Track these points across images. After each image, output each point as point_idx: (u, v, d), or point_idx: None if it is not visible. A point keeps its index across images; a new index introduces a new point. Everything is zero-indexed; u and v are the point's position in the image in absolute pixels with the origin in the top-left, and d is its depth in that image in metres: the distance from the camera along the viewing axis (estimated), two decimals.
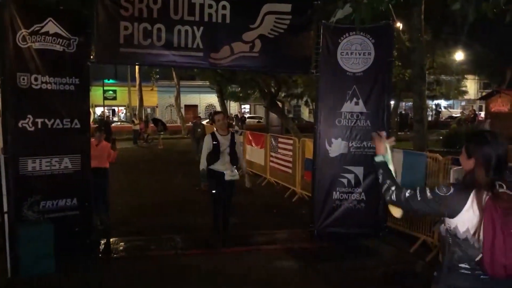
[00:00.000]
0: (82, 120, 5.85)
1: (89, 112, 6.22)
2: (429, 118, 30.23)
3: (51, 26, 5.54)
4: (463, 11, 3.76)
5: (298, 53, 6.49)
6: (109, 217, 7.07)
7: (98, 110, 43.07)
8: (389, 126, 6.61)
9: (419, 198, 2.35)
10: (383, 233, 6.59)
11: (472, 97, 48.17)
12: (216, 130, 6.31)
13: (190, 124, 24.41)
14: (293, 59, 6.54)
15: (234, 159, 6.27)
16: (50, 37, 5.53)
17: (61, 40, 5.60)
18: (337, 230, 6.59)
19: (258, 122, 41.01)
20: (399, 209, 2.71)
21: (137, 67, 31.28)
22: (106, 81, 42.19)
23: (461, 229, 2.25)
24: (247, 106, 49.29)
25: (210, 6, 6.05)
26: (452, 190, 2.28)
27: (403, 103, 42.70)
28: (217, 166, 6.15)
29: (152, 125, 27.38)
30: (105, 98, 42.61)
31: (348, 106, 6.56)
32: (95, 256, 5.90)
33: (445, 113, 46.99)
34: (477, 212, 2.19)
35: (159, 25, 5.97)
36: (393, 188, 2.50)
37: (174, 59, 6.19)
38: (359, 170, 6.59)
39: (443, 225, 2.38)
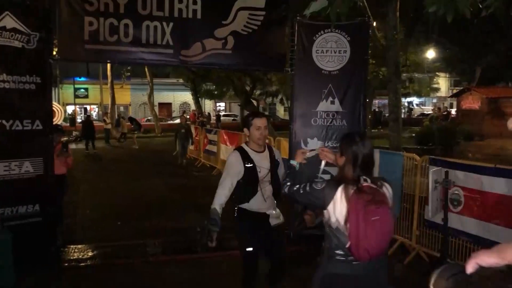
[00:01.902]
0: (44, 121, 5.50)
1: (52, 112, 5.85)
2: (402, 116, 30.49)
3: (9, 21, 5.18)
4: (441, 12, 3.63)
5: (272, 50, 6.29)
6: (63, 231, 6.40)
7: (70, 109, 42.11)
8: (365, 125, 6.49)
9: (301, 192, 2.73)
10: None
11: (443, 95, 49.02)
12: (247, 143, 3.91)
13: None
14: (268, 57, 6.33)
15: (278, 191, 3.66)
16: (8, 33, 5.17)
17: (20, 36, 5.25)
18: (314, 232, 6.41)
19: (234, 120, 40.75)
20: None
21: (108, 64, 30.55)
22: (77, 78, 41.30)
23: (333, 219, 2.55)
24: (223, 104, 48.96)
25: (180, 1, 5.80)
26: (324, 184, 2.62)
27: (377, 101, 43.20)
28: (254, 204, 3.77)
29: (128, 123, 26.80)
30: (76, 97, 41.72)
31: (324, 105, 6.40)
32: (59, 266, 5.57)
33: (417, 110, 47.69)
34: (344, 203, 2.48)
35: (126, 21, 5.69)
36: (288, 183, 2.88)
37: (143, 56, 5.91)
38: (335, 171, 6.43)
39: (322, 217, 2.69)
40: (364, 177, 2.52)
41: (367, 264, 2.51)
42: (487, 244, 4.72)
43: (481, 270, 1.49)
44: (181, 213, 8.41)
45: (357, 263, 2.51)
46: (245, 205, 3.77)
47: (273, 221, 3.85)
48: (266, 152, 3.86)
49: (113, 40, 5.70)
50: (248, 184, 3.73)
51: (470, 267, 1.52)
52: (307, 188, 2.69)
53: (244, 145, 3.89)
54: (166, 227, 7.35)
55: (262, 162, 3.76)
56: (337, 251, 2.57)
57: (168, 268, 5.55)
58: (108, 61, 6.75)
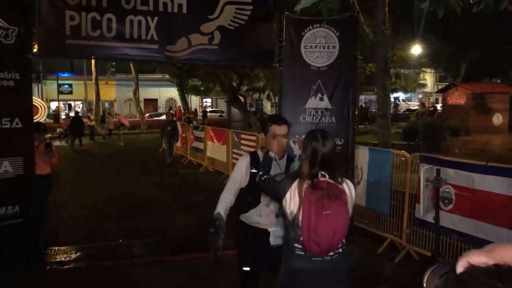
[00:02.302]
0: (24, 119, 5.28)
1: (32, 110, 5.63)
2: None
3: None
4: (432, 8, 3.55)
5: (260, 46, 6.14)
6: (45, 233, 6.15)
7: (53, 105, 41.44)
8: (355, 122, 6.39)
9: (266, 183, 2.81)
10: (349, 233, 6.37)
11: (429, 90, 49.36)
12: (262, 148, 3.44)
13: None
14: (255, 52, 6.19)
15: None
16: None
17: None
18: None
19: (220, 116, 40.51)
20: None
21: (92, 60, 30.09)
22: (61, 74, 40.63)
23: (288, 211, 2.60)
24: (209, 100, 48.66)
25: None
26: (283, 177, 2.72)
27: (363, 97, 43.33)
28: (253, 217, 3.34)
29: (115, 119, 26.45)
30: (60, 93, 41.05)
31: (313, 102, 6.28)
32: (41, 269, 5.38)
33: (403, 106, 47.94)
34: (297, 197, 2.53)
35: (109, 15, 5.49)
36: (261, 173, 2.92)
37: (127, 51, 5.73)
38: None
39: (282, 210, 2.74)
40: (323, 172, 2.54)
41: (327, 260, 2.55)
42: (479, 243, 4.66)
43: (471, 269, 1.47)
44: (167, 212, 8.27)
45: (316, 258, 2.55)
46: (243, 217, 3.36)
47: (274, 241, 3.26)
48: (283, 162, 3.32)
49: (95, 35, 5.50)
50: (250, 192, 3.30)
51: (461, 266, 1.48)
52: (270, 179, 2.77)
53: (259, 150, 3.46)
54: (152, 227, 7.19)
55: (272, 171, 3.13)
56: (295, 245, 2.59)
57: (155, 270, 5.40)
58: (90, 56, 6.52)
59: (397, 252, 5.74)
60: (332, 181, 2.53)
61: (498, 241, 4.47)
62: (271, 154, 3.11)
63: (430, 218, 4.99)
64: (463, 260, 1.49)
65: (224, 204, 3.29)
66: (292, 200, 2.56)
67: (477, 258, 1.48)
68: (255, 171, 3.15)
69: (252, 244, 3.33)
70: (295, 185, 2.57)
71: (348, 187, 2.62)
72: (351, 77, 6.35)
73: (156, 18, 5.62)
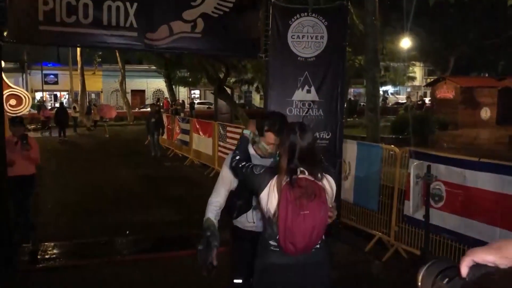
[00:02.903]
0: None
1: (3, 102, 5.31)
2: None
3: None
4: None
5: (245, 35, 5.88)
6: (35, 238, 5.70)
7: (38, 96, 40.71)
8: (343, 115, 6.17)
9: (243, 171, 2.62)
10: (336, 230, 6.18)
11: (418, 84, 49.40)
12: (252, 145, 3.00)
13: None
14: (240, 42, 5.92)
15: None
16: None
17: None
18: None
19: (208, 108, 40.04)
20: None
21: (78, 49, 29.50)
22: (46, 64, 39.91)
23: (264, 207, 2.47)
24: (197, 92, 48.20)
25: None
26: (262, 170, 2.53)
27: (352, 90, 43.20)
28: (246, 222, 3.01)
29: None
30: (45, 83, 40.35)
31: (300, 94, 6.04)
32: (14, 269, 5.10)
33: (391, 99, 47.94)
34: (275, 194, 2.39)
35: (85, 0, 5.19)
36: (238, 157, 2.74)
37: (104, 39, 5.43)
38: None
39: (259, 208, 2.60)
40: (302, 168, 2.43)
41: (304, 256, 2.46)
42: (470, 242, 4.49)
43: (476, 269, 1.25)
44: (151, 207, 8.00)
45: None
46: (236, 222, 3.04)
47: None
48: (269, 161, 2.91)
49: (71, 21, 5.20)
50: (240, 195, 2.92)
51: (465, 265, 1.27)
52: (248, 170, 2.60)
53: (250, 147, 2.98)
54: (134, 223, 6.92)
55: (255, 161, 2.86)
56: (271, 241, 2.51)
57: (135, 269, 5.15)
58: (65, 44, 6.20)
59: (385, 250, 5.56)
60: (311, 178, 2.41)
61: (490, 240, 4.30)
62: (246, 132, 2.91)
63: (419, 215, 4.80)
64: (467, 259, 1.30)
65: (213, 208, 2.92)
66: (269, 198, 2.44)
67: (484, 256, 1.29)
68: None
69: (247, 254, 2.87)
70: (274, 181, 2.44)
71: (328, 183, 2.50)
72: (339, 68, 6.12)
73: (135, 4, 5.33)
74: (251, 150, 2.98)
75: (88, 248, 5.77)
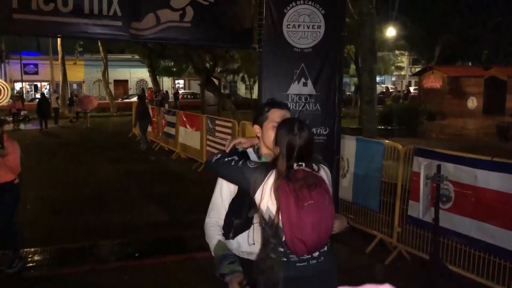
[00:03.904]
0: None
1: None
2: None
3: None
4: None
5: (237, 24, 5.49)
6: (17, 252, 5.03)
7: (18, 86, 39.61)
8: (341, 110, 5.85)
9: (232, 164, 2.32)
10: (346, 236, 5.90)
11: (403, 73, 49.40)
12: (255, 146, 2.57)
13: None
14: (232, 32, 5.52)
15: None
16: None
17: None
18: None
19: (193, 98, 39.41)
20: None
21: (59, 38, 28.61)
22: (25, 54, 38.79)
23: (264, 208, 2.20)
24: (181, 82, 47.48)
25: None
26: (258, 165, 2.29)
27: None
28: (244, 245, 2.42)
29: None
30: (25, 73, 39.26)
31: (296, 88, 5.67)
32: None
33: (378, 88, 47.85)
34: (275, 198, 2.15)
35: None
36: (219, 155, 2.44)
37: (86, 29, 4.97)
38: None
39: (255, 210, 2.30)
40: (299, 163, 2.22)
41: (312, 265, 2.24)
42: (481, 246, 4.24)
43: None
44: (135, 206, 7.59)
45: (301, 264, 2.22)
46: (230, 243, 2.42)
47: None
48: None
49: (48, 9, 4.74)
50: (237, 212, 2.41)
51: None
52: (239, 164, 2.31)
53: (250, 150, 2.52)
54: (118, 225, 6.52)
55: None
56: (279, 248, 2.22)
57: (118, 276, 4.77)
58: (42, 34, 5.73)
59: (387, 252, 5.29)
60: (309, 170, 2.22)
61: (503, 244, 4.04)
62: (251, 153, 2.49)
63: (426, 217, 4.51)
64: None
65: (215, 229, 2.44)
66: (267, 195, 2.19)
67: None
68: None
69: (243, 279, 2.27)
70: (271, 181, 2.19)
71: (325, 173, 2.33)
72: (337, 60, 5.76)
73: None
74: (253, 157, 2.50)
75: (69, 255, 5.35)
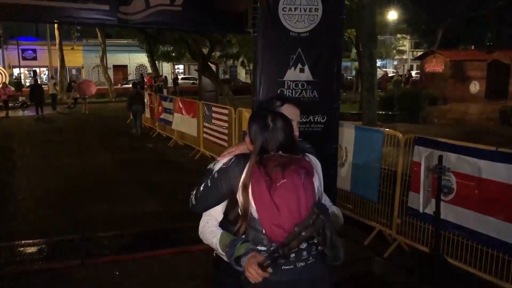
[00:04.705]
0: None
1: None
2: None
3: None
4: None
5: (231, 7, 5.27)
6: None
7: (16, 72, 39.29)
8: (340, 97, 5.63)
9: (209, 183, 2.10)
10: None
11: (404, 57, 48.90)
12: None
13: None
14: (225, 15, 5.31)
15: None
16: None
17: None
18: None
19: (193, 83, 39.08)
20: None
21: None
22: (23, 39, 38.41)
23: (240, 200, 2.02)
24: (181, 67, 47.06)
25: None
26: (232, 160, 2.09)
27: None
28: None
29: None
30: (23, 58, 38.91)
31: (292, 74, 5.44)
32: None
33: (379, 73, 47.41)
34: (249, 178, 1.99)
35: None
36: (194, 190, 2.19)
37: (71, 13, 4.75)
38: None
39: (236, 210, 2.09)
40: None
41: (300, 268, 2.00)
42: (484, 240, 4.06)
43: None
44: (130, 196, 7.43)
45: (287, 267, 1.99)
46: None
47: None
48: None
49: None
50: (231, 217, 2.16)
51: None
52: (209, 179, 2.11)
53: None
54: (111, 216, 6.36)
55: None
56: (260, 247, 2.00)
57: (107, 271, 4.62)
58: (25, 19, 5.51)
59: (386, 244, 5.13)
60: (285, 154, 2.03)
61: (507, 238, 3.86)
62: (211, 165, 2.23)
63: (427, 209, 4.33)
64: None
65: (212, 227, 2.17)
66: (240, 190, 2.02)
67: None
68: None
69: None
70: (247, 167, 2.01)
71: (310, 160, 2.10)
72: (336, 45, 5.52)
73: None
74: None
75: (59, 248, 5.19)
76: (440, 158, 3.95)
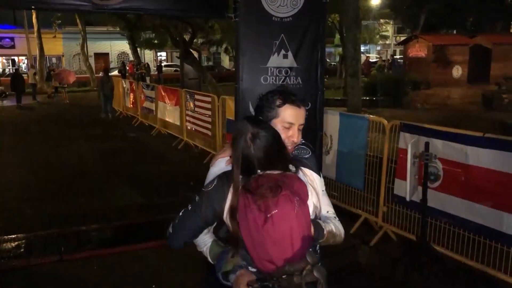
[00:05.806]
0: None
1: None
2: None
3: None
4: None
5: None
6: None
7: None
8: (323, 84, 5.51)
9: (189, 207, 1.92)
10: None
11: (388, 42, 48.96)
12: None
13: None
14: (205, 0, 5.11)
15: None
16: None
17: None
18: None
19: (176, 71, 38.59)
20: None
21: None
22: (1, 26, 37.42)
23: (227, 223, 1.84)
24: (164, 54, 46.43)
25: None
26: (215, 182, 1.88)
27: None
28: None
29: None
30: (0, 47, 38.00)
31: (275, 60, 5.28)
32: None
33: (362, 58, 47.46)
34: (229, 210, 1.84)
35: None
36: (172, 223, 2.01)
37: None
38: None
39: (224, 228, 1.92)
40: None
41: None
42: (472, 227, 4.02)
43: None
44: (110, 187, 7.24)
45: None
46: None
47: None
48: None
49: None
50: (221, 234, 1.99)
51: None
52: (196, 198, 1.91)
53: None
54: (89, 209, 6.18)
55: None
56: (251, 268, 1.83)
57: (86, 268, 4.48)
58: None
59: (372, 232, 5.07)
60: (275, 172, 1.81)
61: (496, 226, 3.82)
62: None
63: (413, 196, 4.27)
64: None
65: (205, 234, 2.02)
66: (227, 214, 1.84)
67: None
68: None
69: None
70: (231, 187, 1.82)
71: (304, 176, 1.88)
72: (319, 30, 5.38)
73: None
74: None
75: (35, 244, 5.01)
76: (427, 144, 3.89)
